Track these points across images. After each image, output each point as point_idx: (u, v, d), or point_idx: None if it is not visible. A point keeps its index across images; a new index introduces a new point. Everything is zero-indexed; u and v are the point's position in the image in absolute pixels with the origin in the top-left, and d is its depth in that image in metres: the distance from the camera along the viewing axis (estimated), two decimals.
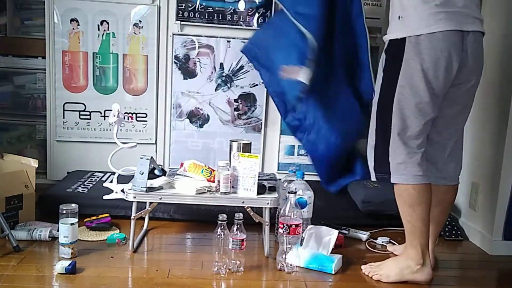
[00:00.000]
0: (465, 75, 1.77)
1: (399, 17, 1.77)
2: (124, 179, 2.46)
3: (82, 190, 2.58)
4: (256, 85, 3.08)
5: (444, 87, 1.76)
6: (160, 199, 1.96)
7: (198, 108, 3.09)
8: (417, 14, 1.71)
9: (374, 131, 1.88)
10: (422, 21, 1.70)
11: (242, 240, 1.82)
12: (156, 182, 2.03)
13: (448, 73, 1.73)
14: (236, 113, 3.11)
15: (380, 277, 1.89)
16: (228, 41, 3.02)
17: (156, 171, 2.07)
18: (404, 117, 1.78)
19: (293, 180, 2.20)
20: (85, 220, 2.25)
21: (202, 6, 2.97)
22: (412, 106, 1.76)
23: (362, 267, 1.97)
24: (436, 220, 1.98)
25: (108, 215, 2.32)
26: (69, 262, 1.81)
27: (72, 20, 2.93)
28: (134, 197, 1.95)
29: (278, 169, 3.16)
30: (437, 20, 1.69)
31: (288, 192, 1.98)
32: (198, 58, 3.04)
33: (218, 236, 1.82)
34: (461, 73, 1.75)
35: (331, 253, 1.97)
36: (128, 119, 3.02)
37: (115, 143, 2.32)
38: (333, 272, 1.91)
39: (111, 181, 2.56)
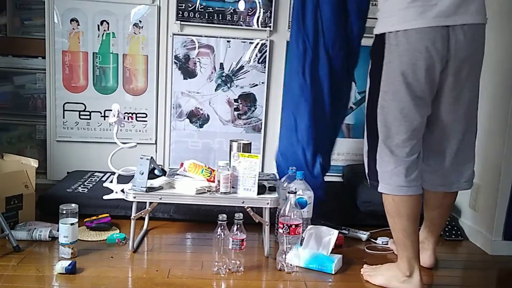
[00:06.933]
0: (455, 78, 1.63)
1: (379, 11, 1.70)
2: (124, 179, 2.46)
3: (82, 190, 2.58)
4: (256, 85, 3.08)
5: (429, 90, 1.64)
6: (160, 199, 1.96)
7: (198, 108, 3.09)
8: (395, 9, 1.61)
9: (366, 137, 1.82)
10: (400, 17, 1.59)
11: (242, 240, 1.82)
12: (156, 182, 2.03)
13: (430, 75, 1.61)
14: (236, 113, 3.11)
15: (369, 277, 1.88)
16: (228, 41, 3.02)
17: (156, 171, 2.07)
18: (388, 124, 1.69)
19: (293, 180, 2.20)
20: (85, 220, 2.25)
21: (202, 6, 2.97)
22: (395, 113, 1.67)
23: (363, 268, 1.97)
24: (436, 222, 1.95)
25: (108, 215, 2.32)
26: (69, 262, 1.81)
27: (72, 20, 2.93)
28: (134, 197, 1.95)
29: None
30: (415, 15, 1.56)
31: (288, 192, 1.98)
32: (198, 58, 3.04)
33: (218, 236, 1.82)
34: (449, 75, 1.62)
35: (331, 253, 1.97)
36: (128, 119, 3.02)
37: (115, 143, 2.31)
38: (333, 272, 1.91)
39: (111, 181, 2.56)
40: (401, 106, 1.66)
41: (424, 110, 1.68)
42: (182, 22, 2.98)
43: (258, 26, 3.01)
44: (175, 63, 3.03)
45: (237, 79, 3.07)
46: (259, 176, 1.99)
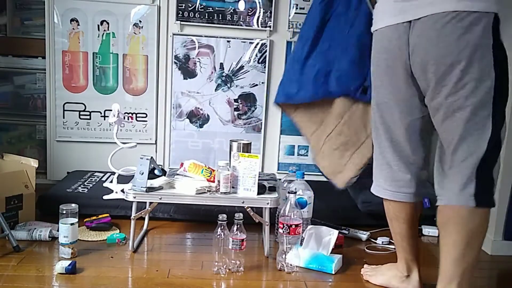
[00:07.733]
0: (422, 79, 1.45)
1: None
2: (124, 179, 2.46)
3: (82, 190, 2.58)
4: (256, 85, 3.08)
5: (398, 92, 1.53)
6: (160, 199, 1.96)
7: (198, 108, 3.09)
8: (375, 9, 1.58)
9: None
10: (375, 17, 1.57)
11: (242, 240, 1.82)
12: (156, 182, 2.03)
13: (395, 77, 1.51)
14: (236, 113, 3.12)
15: (369, 277, 1.88)
16: (228, 41, 3.03)
17: (156, 171, 2.07)
18: (376, 124, 1.68)
19: (293, 180, 2.20)
20: (85, 220, 2.25)
21: (202, 6, 2.97)
22: (378, 112, 1.65)
23: (363, 268, 1.97)
24: (441, 254, 1.55)
25: (108, 215, 2.32)
26: (69, 262, 1.81)
27: (72, 20, 2.93)
28: (134, 197, 1.95)
29: (278, 169, 3.17)
30: (382, 14, 1.50)
31: (288, 192, 1.98)
32: (198, 58, 3.04)
33: (218, 236, 1.82)
34: (415, 75, 1.47)
35: (331, 253, 1.97)
36: (128, 119, 3.02)
37: (115, 143, 2.32)
38: (333, 272, 1.91)
39: (111, 181, 2.56)
40: (379, 106, 1.64)
41: (398, 113, 1.57)
42: (182, 22, 2.98)
43: (258, 26, 3.01)
44: (175, 63, 3.03)
45: (237, 79, 3.08)
46: (259, 176, 1.99)
